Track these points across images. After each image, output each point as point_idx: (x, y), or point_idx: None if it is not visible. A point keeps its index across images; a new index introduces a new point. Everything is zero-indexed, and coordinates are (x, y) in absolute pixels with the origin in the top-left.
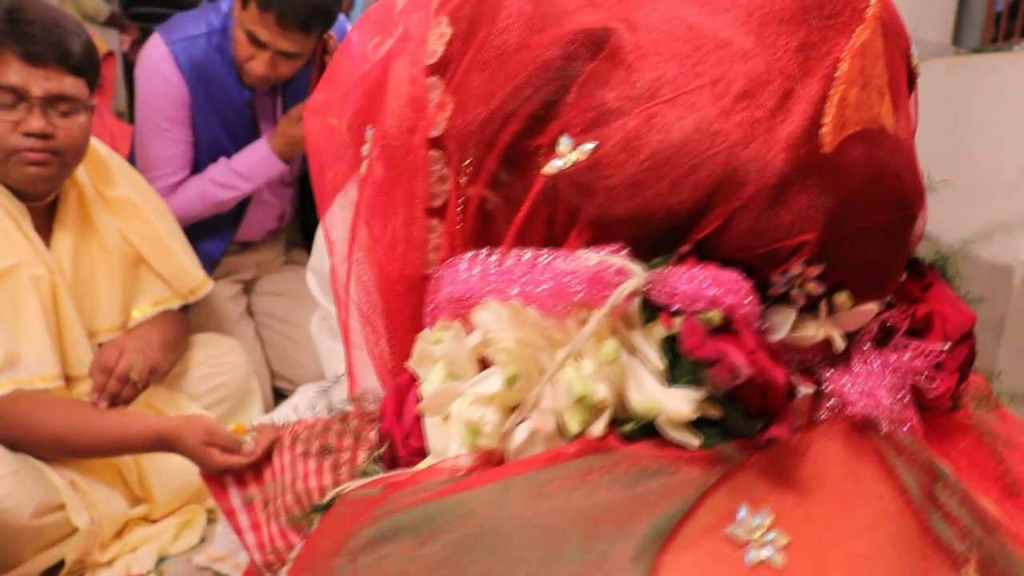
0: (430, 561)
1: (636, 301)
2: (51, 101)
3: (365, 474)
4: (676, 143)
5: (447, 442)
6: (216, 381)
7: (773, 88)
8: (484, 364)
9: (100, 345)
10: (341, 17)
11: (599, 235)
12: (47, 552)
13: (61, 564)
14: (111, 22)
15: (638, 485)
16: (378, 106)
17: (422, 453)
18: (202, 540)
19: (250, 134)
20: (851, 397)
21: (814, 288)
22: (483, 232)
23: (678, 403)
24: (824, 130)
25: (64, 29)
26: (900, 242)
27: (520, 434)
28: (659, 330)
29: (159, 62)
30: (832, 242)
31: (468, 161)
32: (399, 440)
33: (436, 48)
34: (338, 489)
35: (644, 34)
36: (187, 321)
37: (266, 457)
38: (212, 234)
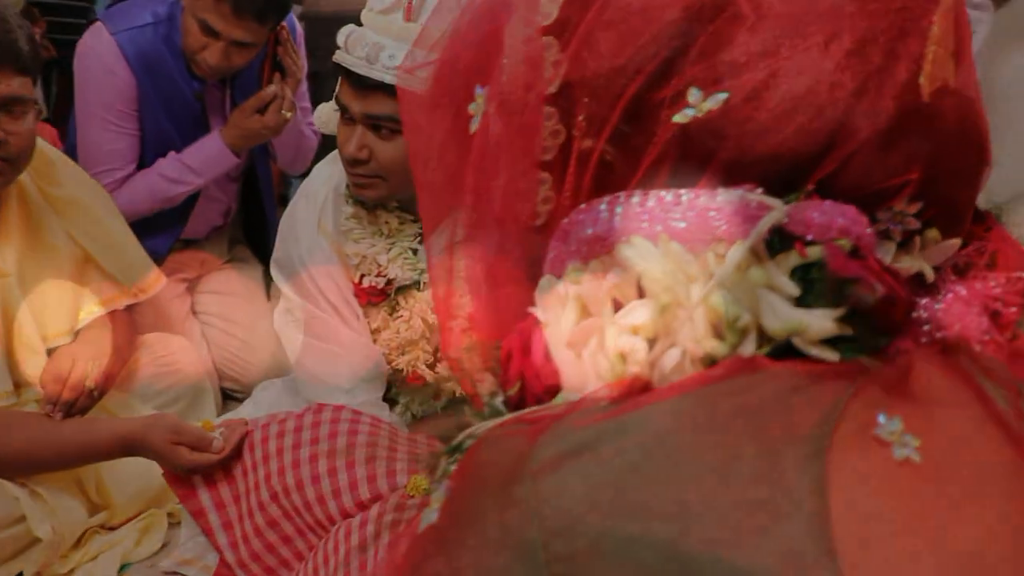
0: (617, 470)
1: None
2: (1, 105)
3: (486, 418)
4: (800, 94)
5: (584, 377)
6: (168, 381)
7: (879, 46)
8: (616, 304)
9: (49, 351)
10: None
11: (731, 177)
12: (4, 566)
13: None
14: (24, 13)
15: (794, 395)
16: (489, 65)
17: (552, 392)
18: (164, 545)
19: (198, 127)
20: (946, 321)
21: (911, 223)
22: (598, 183)
23: (820, 320)
24: (922, 83)
25: (8, 24)
26: (976, 185)
27: (671, 358)
28: (792, 259)
29: (104, 53)
30: (929, 182)
31: (583, 116)
32: (531, 378)
33: (550, 10)
34: (470, 430)
35: None
36: (134, 321)
37: (235, 454)
38: (157, 230)
